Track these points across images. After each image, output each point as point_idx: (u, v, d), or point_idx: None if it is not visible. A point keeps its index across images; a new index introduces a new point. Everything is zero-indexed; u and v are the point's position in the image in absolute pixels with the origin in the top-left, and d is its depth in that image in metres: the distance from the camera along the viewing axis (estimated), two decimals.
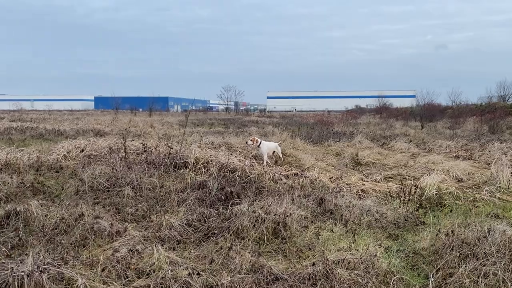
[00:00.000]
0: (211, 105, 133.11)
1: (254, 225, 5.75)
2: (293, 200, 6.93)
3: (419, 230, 6.50)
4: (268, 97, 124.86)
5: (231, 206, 6.55)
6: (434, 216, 7.11)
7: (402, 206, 7.43)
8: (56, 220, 5.75)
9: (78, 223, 5.69)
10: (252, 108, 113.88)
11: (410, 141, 18.11)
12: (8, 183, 7.69)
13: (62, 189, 7.99)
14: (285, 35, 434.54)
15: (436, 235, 5.72)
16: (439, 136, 22.76)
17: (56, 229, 5.61)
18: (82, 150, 11.33)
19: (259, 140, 11.84)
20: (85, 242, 5.24)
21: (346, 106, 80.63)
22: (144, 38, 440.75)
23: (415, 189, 8.29)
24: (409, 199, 7.73)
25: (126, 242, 5.02)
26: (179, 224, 5.87)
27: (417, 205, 7.58)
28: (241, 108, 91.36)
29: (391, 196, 8.57)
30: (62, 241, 5.10)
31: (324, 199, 7.07)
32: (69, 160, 10.68)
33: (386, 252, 5.45)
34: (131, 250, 4.66)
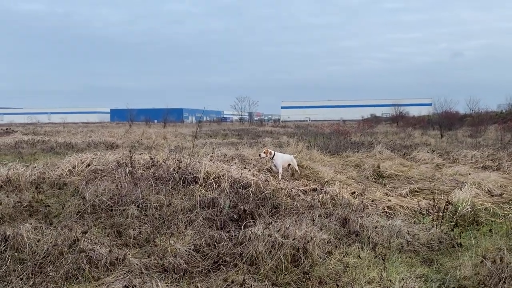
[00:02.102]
0: (225, 116, 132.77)
1: (270, 251, 5.05)
2: (313, 220, 6.21)
3: (457, 254, 5.76)
4: (282, 107, 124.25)
5: (244, 228, 5.84)
6: (472, 237, 6.35)
7: (435, 226, 6.65)
8: (48, 246, 5.11)
9: (72, 250, 5.05)
10: (266, 118, 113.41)
11: (433, 151, 17.25)
12: (3, 203, 7.10)
13: (63, 209, 7.39)
14: (299, 45, 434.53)
15: (481, 262, 4.96)
16: (461, 145, 21.83)
17: (48, 256, 4.97)
18: (89, 165, 10.75)
19: (273, 152, 11.13)
20: (78, 274, 4.59)
21: (362, 115, 79.52)
22: (159, 50, 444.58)
23: (447, 205, 7.52)
24: (442, 217, 6.96)
25: (122, 276, 4.35)
26: (186, 250, 5.19)
27: (452, 224, 6.80)
28: (255, 119, 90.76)
29: (421, 213, 7.83)
30: (51, 273, 4.46)
31: (349, 219, 6.34)
32: (74, 176, 10.10)
33: (425, 284, 4.71)
34: (127, 287, 3.99)
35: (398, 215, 7.55)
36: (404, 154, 16.84)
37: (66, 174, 10.12)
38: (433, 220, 7.06)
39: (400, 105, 63.75)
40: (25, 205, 7.20)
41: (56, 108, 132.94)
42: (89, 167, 10.58)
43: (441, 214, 7.18)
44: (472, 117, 47.44)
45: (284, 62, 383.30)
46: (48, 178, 9.39)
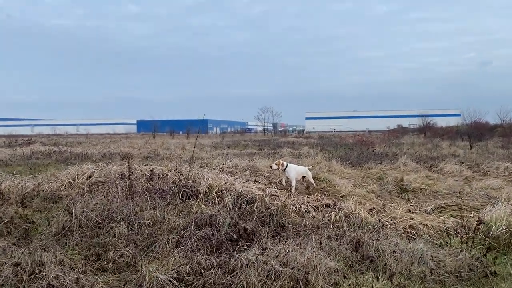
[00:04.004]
0: (249, 127, 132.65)
1: (265, 282, 4.25)
2: (320, 243, 5.37)
3: (491, 285, 4.85)
4: (306, 118, 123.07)
5: (239, 252, 5.04)
6: (508, 263, 5.41)
7: (465, 250, 5.70)
8: (7, 273, 4.42)
9: (35, 277, 4.35)
10: (290, 129, 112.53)
11: (462, 162, 16.11)
12: None
13: (48, 225, 6.73)
14: (324, 55, 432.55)
15: None
16: (492, 156, 20.60)
17: (2, 286, 4.28)
18: (90, 177, 10.15)
19: (285, 164, 10.29)
20: None
21: (388, 125, 77.84)
22: (185, 63, 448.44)
23: (478, 224, 6.55)
24: (473, 239, 6.01)
25: None
26: (166, 279, 4.42)
27: (485, 248, 5.85)
28: (279, 129, 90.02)
29: (447, 233, 6.87)
30: None
31: (362, 242, 5.46)
32: (72, 188, 9.50)
33: None
34: None
35: (421, 236, 6.63)
36: (430, 166, 15.79)
37: (65, 186, 9.53)
38: (461, 242, 6.12)
39: (428, 115, 62.14)
40: (5, 221, 6.56)
41: (84, 120, 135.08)
42: (90, 179, 9.98)
43: (471, 235, 6.24)
44: (503, 127, 45.76)
45: (309, 73, 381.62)
46: (43, 191, 8.80)
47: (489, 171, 14.59)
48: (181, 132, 72.30)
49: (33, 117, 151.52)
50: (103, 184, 9.54)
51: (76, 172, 10.24)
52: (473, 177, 13.47)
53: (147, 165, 11.18)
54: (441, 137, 40.52)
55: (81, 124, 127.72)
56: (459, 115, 66.78)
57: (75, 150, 24.32)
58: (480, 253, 5.66)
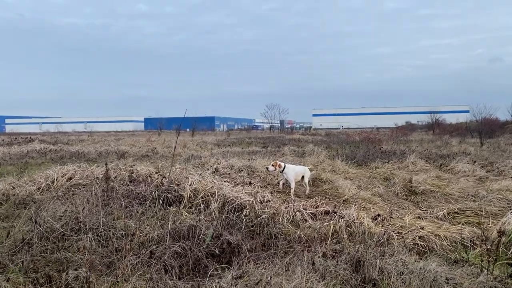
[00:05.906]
0: (256, 124, 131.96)
1: None
2: (313, 264, 4.49)
3: None
4: (313, 115, 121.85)
5: (211, 276, 4.18)
6: None
7: (486, 268, 4.80)
8: None
9: None
10: (297, 126, 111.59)
11: (474, 161, 15.12)
12: None
13: (8, 237, 5.92)
14: (332, 53, 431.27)
15: None
16: (504, 154, 19.59)
17: None
18: (70, 178, 9.35)
19: (283, 165, 9.40)
20: None
21: (396, 122, 76.55)
22: (193, 61, 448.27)
23: (499, 236, 5.65)
24: (495, 256, 5.10)
25: None
26: None
27: (509, 266, 4.95)
28: (286, 126, 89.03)
29: (463, 244, 5.97)
30: None
31: (364, 261, 4.58)
32: (50, 192, 8.69)
33: None
34: None
35: (433, 249, 5.74)
36: (440, 165, 14.82)
37: (42, 190, 8.73)
38: (481, 259, 5.23)
39: (436, 112, 60.89)
40: None
41: (92, 117, 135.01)
42: (70, 181, 9.18)
43: (492, 247, 5.34)
44: None
45: (317, 70, 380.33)
46: (13, 195, 8.00)
47: (504, 171, 13.60)
48: (188, 129, 71.86)
49: (42, 115, 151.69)
50: (84, 187, 8.74)
51: (55, 174, 9.43)
52: (487, 178, 12.50)
53: (133, 166, 10.34)
54: (450, 134, 39.46)
55: (88, 122, 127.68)
56: (468, 111, 65.48)
57: (72, 148, 23.60)
58: (504, 273, 4.77)
